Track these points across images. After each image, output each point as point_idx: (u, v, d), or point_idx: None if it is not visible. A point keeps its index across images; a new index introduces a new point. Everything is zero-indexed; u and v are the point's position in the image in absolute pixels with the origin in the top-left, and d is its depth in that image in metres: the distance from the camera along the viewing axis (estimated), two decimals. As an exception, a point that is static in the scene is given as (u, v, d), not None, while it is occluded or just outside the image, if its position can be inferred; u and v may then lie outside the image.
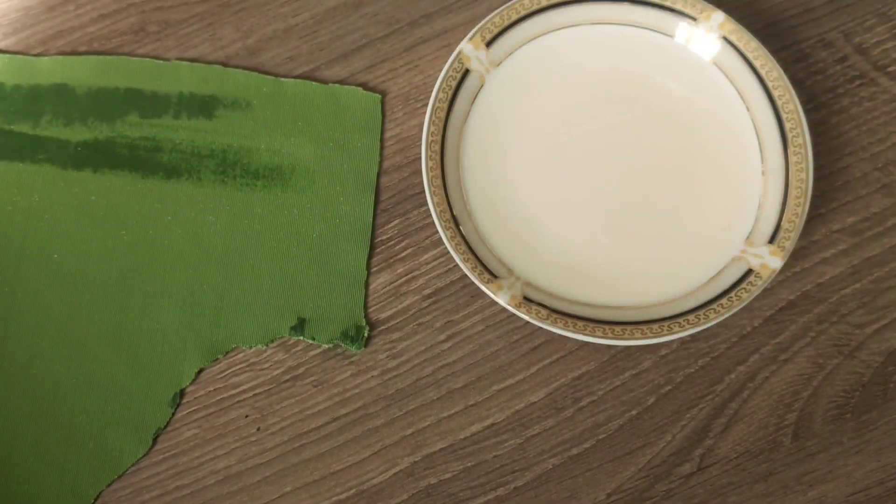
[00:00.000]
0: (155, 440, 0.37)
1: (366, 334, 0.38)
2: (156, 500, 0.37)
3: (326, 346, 0.38)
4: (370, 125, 0.41)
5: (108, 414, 0.37)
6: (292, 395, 0.38)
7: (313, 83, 0.42)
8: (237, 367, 0.38)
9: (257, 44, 0.43)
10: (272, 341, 0.38)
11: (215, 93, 0.42)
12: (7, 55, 0.43)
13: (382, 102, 0.42)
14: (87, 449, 0.37)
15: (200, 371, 0.38)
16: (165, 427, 0.38)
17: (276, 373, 0.38)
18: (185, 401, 0.38)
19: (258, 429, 0.37)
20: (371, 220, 0.40)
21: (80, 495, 0.37)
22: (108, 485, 0.37)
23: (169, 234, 0.40)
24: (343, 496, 0.36)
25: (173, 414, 0.38)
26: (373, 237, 0.40)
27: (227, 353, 0.38)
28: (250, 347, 0.38)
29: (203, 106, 0.42)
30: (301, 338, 0.38)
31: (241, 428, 0.37)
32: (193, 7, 0.44)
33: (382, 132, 0.42)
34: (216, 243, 0.40)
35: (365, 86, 0.42)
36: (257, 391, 0.38)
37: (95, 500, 0.37)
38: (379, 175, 0.41)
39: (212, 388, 0.38)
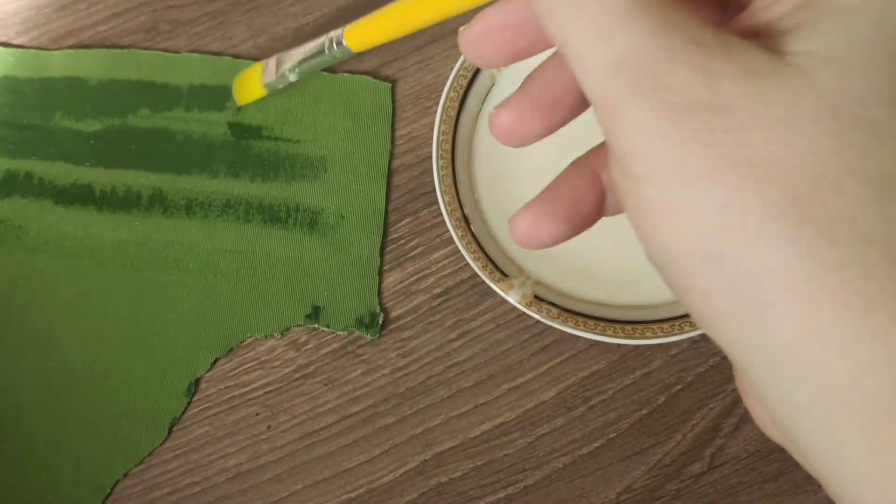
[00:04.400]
0: (170, 429, 0.38)
1: (381, 321, 0.38)
2: (166, 497, 0.37)
3: (342, 333, 0.38)
4: (381, 113, 0.41)
5: (123, 404, 0.38)
6: (303, 393, 0.38)
7: (323, 72, 0.42)
8: (248, 364, 0.38)
9: (268, 43, 0.43)
10: (287, 329, 0.39)
11: (226, 84, 0.42)
12: (20, 49, 0.43)
13: (393, 91, 0.42)
14: (103, 439, 0.37)
15: (215, 361, 0.38)
16: (181, 416, 0.38)
17: (286, 371, 0.38)
18: (196, 398, 0.38)
19: (269, 427, 0.38)
20: (384, 207, 0.40)
21: (96, 485, 0.37)
22: (125, 474, 0.37)
23: (183, 224, 0.40)
24: (353, 494, 0.37)
25: (189, 403, 0.38)
26: (385, 229, 0.40)
27: (242, 341, 0.38)
28: (266, 336, 0.38)
29: (214, 97, 0.42)
30: (316, 325, 0.38)
31: (252, 426, 0.38)
32: (204, 6, 0.44)
33: (393, 121, 0.42)
34: (230, 232, 0.40)
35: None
36: (268, 389, 0.38)
37: (111, 489, 0.37)
38: (391, 162, 0.41)
39: (222, 386, 0.38)
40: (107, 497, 0.37)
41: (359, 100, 0.42)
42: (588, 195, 0.21)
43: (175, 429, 0.38)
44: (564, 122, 0.21)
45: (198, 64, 0.42)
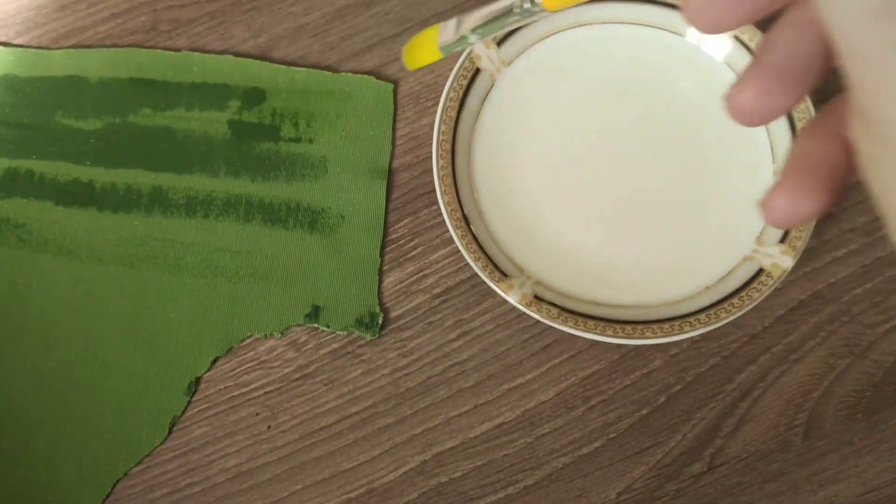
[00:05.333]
0: (171, 429, 0.38)
1: (380, 321, 0.38)
2: (166, 497, 0.37)
3: (342, 333, 0.38)
4: (382, 114, 0.42)
5: (124, 403, 0.38)
6: (303, 393, 0.38)
7: (325, 72, 0.42)
8: (248, 365, 0.38)
9: (268, 42, 0.43)
10: (287, 329, 0.39)
11: (227, 83, 0.42)
12: (20, 49, 0.43)
13: (395, 91, 0.42)
14: (104, 438, 0.37)
15: (216, 360, 0.38)
16: (181, 415, 0.38)
17: (286, 371, 0.38)
18: (196, 398, 0.38)
19: (269, 427, 0.38)
20: (384, 208, 0.40)
21: (97, 484, 0.37)
22: (125, 474, 0.37)
23: (183, 223, 0.40)
24: (353, 494, 0.37)
25: (189, 402, 0.38)
26: (385, 229, 0.40)
27: (242, 341, 0.38)
28: (266, 336, 0.38)
29: (215, 96, 0.42)
30: (316, 325, 0.38)
31: (252, 426, 0.38)
32: (204, 6, 0.44)
33: (395, 121, 0.42)
34: (230, 232, 0.40)
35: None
36: (268, 389, 0.38)
37: (112, 489, 0.37)
38: (391, 163, 0.41)
39: (222, 386, 0.38)
40: (107, 496, 0.37)
41: (361, 100, 0.42)
42: (843, 159, 0.18)
43: (175, 429, 0.38)
44: (809, 91, 0.19)
45: (199, 63, 0.42)
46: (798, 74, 0.18)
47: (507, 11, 0.31)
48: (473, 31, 0.33)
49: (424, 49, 0.36)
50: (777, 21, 0.19)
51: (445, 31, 0.35)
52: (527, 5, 0.29)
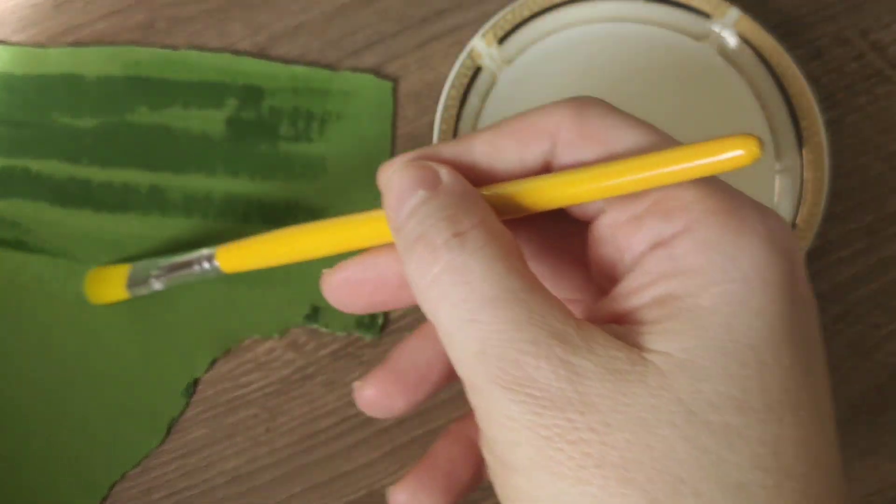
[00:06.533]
0: (169, 431, 0.37)
1: (380, 322, 0.38)
2: (164, 500, 0.37)
3: (341, 333, 0.38)
4: (382, 112, 0.41)
5: (121, 405, 0.37)
6: (302, 395, 0.38)
7: (324, 70, 0.42)
8: (246, 366, 0.38)
9: (267, 41, 0.43)
10: (286, 330, 0.38)
11: (225, 81, 0.42)
12: (16, 47, 0.43)
13: (394, 90, 0.42)
14: (100, 440, 0.37)
15: (214, 361, 0.38)
16: (179, 417, 0.37)
17: (285, 372, 0.38)
18: (194, 400, 0.38)
19: (267, 429, 0.37)
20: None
21: (94, 486, 0.37)
22: (122, 476, 0.37)
23: (181, 223, 0.40)
24: (353, 497, 0.36)
25: (187, 403, 0.37)
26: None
27: (240, 341, 0.38)
28: (264, 337, 0.38)
29: (213, 94, 0.41)
30: (315, 326, 0.38)
31: (251, 428, 0.37)
32: (202, 3, 0.44)
33: (395, 120, 0.41)
34: (229, 232, 0.39)
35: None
36: (267, 391, 0.38)
37: (109, 491, 0.37)
38: (391, 162, 0.41)
39: (220, 388, 0.38)
40: (104, 500, 0.36)
41: (360, 98, 0.41)
42: (464, 465, 0.22)
43: (173, 431, 0.37)
44: (429, 396, 0.23)
45: (196, 60, 0.42)
46: (414, 384, 0.22)
47: (189, 266, 0.33)
48: (158, 278, 0.36)
49: (111, 287, 0.37)
50: (411, 334, 0.23)
51: (133, 275, 0.36)
52: (206, 265, 0.32)
